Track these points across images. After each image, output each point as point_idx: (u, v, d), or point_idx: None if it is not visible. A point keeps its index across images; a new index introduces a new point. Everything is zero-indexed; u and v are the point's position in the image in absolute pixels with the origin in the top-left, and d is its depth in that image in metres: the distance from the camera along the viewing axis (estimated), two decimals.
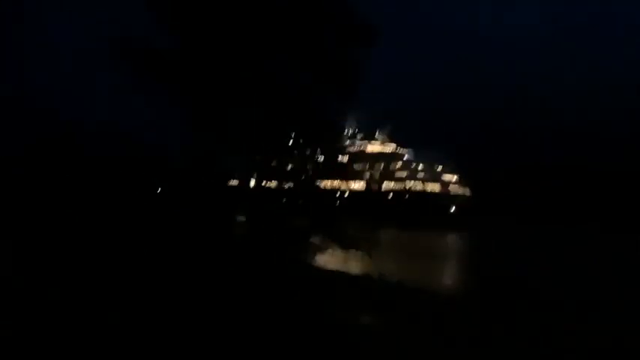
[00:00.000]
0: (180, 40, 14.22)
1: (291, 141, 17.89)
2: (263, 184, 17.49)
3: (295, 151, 17.69)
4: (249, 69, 15.11)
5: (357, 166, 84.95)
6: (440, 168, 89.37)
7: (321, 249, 17.85)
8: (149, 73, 14.49)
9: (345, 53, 14.88)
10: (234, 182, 21.98)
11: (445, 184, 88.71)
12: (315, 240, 17.47)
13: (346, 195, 77.98)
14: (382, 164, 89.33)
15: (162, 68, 14.63)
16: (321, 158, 19.27)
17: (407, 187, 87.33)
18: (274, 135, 17.07)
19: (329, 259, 18.29)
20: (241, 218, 19.14)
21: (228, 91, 15.36)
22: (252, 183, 18.88)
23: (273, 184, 19.25)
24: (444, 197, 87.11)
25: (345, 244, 18.78)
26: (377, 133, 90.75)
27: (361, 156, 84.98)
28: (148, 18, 13.76)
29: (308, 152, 17.67)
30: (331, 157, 19.50)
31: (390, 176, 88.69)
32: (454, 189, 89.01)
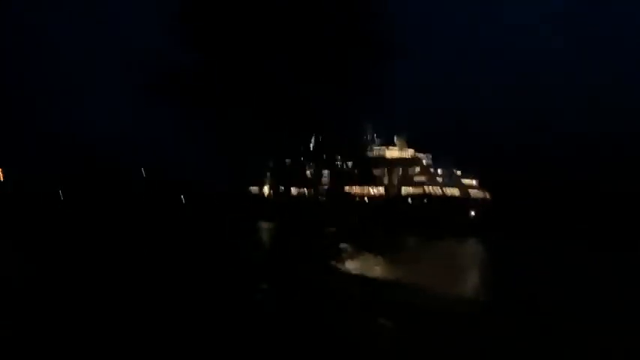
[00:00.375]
0: (204, 59, 14.58)
1: (317, 148, 18.13)
2: (290, 190, 17.77)
3: (322, 158, 17.95)
4: (274, 80, 15.39)
5: (376, 172, 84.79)
6: (459, 172, 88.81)
7: (350, 255, 18.05)
8: (175, 89, 14.86)
9: (370, 63, 15.12)
10: (260, 189, 22.18)
11: (465, 189, 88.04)
12: (344, 246, 17.69)
13: (366, 201, 77.95)
14: (401, 169, 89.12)
15: (189, 85, 14.98)
16: (346, 165, 19.49)
17: (426, 192, 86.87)
18: (301, 142, 17.33)
19: (359, 265, 18.45)
20: (268, 225, 19.40)
21: (254, 102, 15.66)
22: (280, 189, 19.16)
23: (300, 190, 19.49)
24: (464, 201, 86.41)
25: (374, 250, 18.94)
26: (395, 138, 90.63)
27: (380, 161, 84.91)
28: (170, 37, 14.17)
29: (335, 160, 17.92)
30: (357, 164, 19.69)
31: (410, 181, 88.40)
32: (474, 193, 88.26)
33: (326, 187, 19.92)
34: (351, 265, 17.73)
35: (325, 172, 19.66)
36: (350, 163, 20.52)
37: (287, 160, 18.84)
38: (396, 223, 52.72)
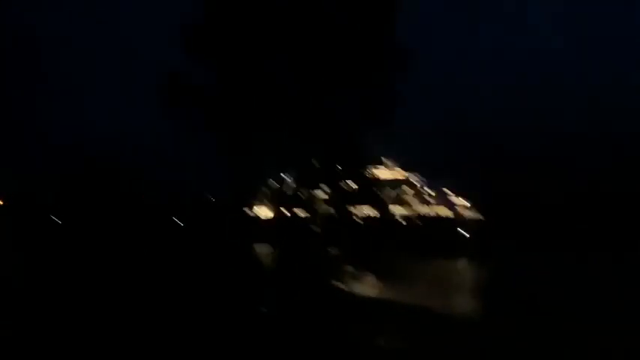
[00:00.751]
0: (221, 76, 14.34)
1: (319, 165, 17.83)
2: (293, 212, 17.44)
3: (324, 177, 17.66)
4: (279, 87, 15.13)
5: (367, 193, 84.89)
6: (450, 192, 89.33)
7: (354, 276, 17.68)
8: (177, 92, 14.54)
9: (380, 78, 15.01)
10: (260, 211, 21.83)
11: (455, 208, 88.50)
12: (348, 267, 17.33)
13: (359, 222, 77.83)
14: (391, 190, 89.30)
15: (191, 88, 14.67)
16: (348, 184, 19.25)
17: (418, 213, 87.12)
18: (306, 163, 17.04)
19: (363, 287, 18.09)
20: (269, 248, 18.99)
21: (257, 107, 15.39)
22: (284, 211, 18.79)
23: (302, 212, 19.15)
24: (455, 221, 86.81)
25: (375, 272, 18.60)
26: (386, 159, 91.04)
27: (372, 182, 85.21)
28: (186, 55, 13.98)
29: (340, 179, 17.68)
30: (360, 184, 19.47)
31: (400, 202, 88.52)
32: (465, 213, 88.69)
33: (323, 206, 19.60)
34: (356, 287, 17.39)
35: (319, 190, 19.37)
36: (351, 183, 20.27)
37: (288, 178, 18.57)
38: (389, 245, 52.55)
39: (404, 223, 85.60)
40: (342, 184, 20.19)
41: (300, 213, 19.44)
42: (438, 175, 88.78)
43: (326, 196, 19.81)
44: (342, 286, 17.63)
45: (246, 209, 19.91)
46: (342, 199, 20.62)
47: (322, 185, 19.38)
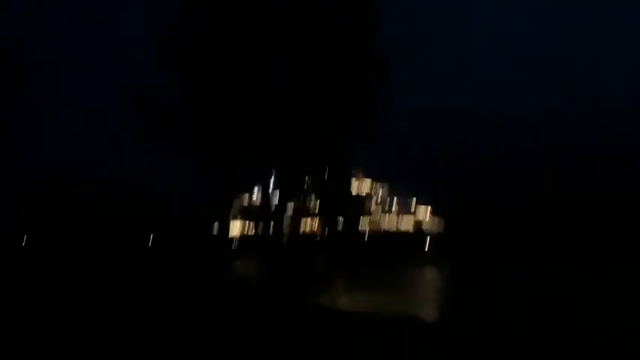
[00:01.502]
0: (195, 92, 13.82)
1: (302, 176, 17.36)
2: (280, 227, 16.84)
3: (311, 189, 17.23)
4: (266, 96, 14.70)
5: (343, 205, 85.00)
6: (415, 203, 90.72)
7: (341, 292, 17.24)
8: (161, 125, 14.01)
9: (362, 91, 14.80)
10: (235, 225, 21.09)
11: (419, 220, 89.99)
12: (334, 284, 16.86)
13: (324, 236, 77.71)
14: (358, 202, 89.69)
15: (180, 121, 14.16)
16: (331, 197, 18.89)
17: (383, 224, 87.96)
18: (282, 175, 16.57)
19: (340, 299, 17.53)
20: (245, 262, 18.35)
21: (239, 130, 14.88)
22: (259, 225, 18.20)
23: (277, 225, 18.62)
24: (419, 233, 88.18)
25: (353, 283, 18.21)
26: (352, 170, 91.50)
27: (347, 195, 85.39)
28: (160, 73, 13.42)
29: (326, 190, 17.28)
30: (343, 197, 19.11)
31: (367, 214, 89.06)
32: (429, 223, 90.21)
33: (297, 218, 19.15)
34: (334, 300, 16.88)
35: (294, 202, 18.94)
36: (328, 195, 19.94)
37: (264, 191, 18.07)
38: (359, 258, 52.69)
39: (378, 234, 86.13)
40: (318, 195, 19.81)
41: (275, 226, 18.89)
42: (410, 187, 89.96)
43: (301, 209, 19.34)
44: (321, 299, 17.21)
45: (223, 223, 19.20)
46: (319, 210, 20.20)
47: (297, 197, 18.93)
